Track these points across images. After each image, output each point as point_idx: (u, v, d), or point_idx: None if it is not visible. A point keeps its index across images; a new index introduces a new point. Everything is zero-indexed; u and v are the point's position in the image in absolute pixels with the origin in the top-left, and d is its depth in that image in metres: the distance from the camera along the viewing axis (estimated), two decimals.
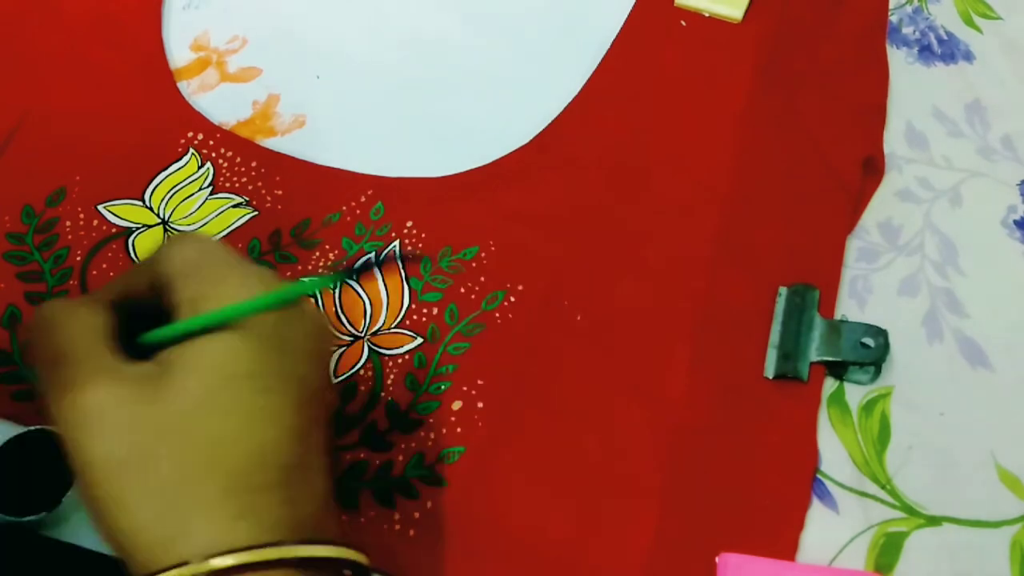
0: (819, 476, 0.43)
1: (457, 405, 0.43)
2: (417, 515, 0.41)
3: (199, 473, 0.29)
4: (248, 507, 0.29)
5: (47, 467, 0.40)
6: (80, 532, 0.40)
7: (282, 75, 0.55)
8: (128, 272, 0.35)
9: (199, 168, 0.50)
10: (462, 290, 0.46)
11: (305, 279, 0.33)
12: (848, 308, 0.48)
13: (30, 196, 0.49)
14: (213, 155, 0.51)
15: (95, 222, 0.48)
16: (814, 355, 0.45)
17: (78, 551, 0.39)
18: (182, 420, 0.29)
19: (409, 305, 0.46)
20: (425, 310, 0.46)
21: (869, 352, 0.45)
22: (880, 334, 0.45)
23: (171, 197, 0.49)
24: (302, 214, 0.49)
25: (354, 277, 0.32)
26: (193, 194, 0.49)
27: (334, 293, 0.46)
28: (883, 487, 0.43)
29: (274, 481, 0.30)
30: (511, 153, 0.51)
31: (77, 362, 0.30)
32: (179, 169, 0.50)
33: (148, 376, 0.30)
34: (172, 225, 0.48)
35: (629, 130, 0.52)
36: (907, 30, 0.59)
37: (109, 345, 0.31)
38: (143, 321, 0.33)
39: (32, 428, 0.41)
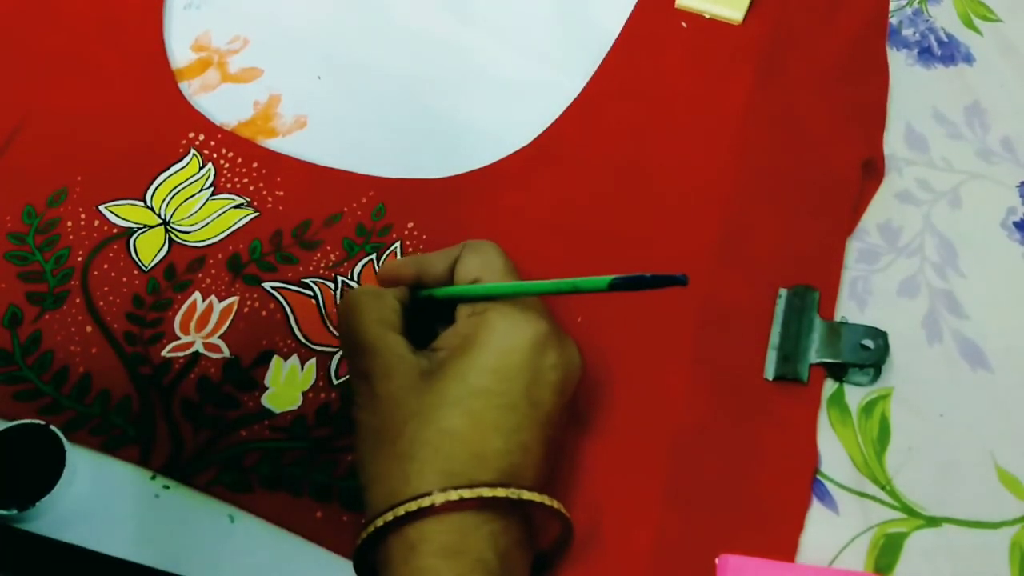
0: (819, 477, 0.43)
1: None
2: None
3: (425, 454, 0.35)
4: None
5: (31, 463, 0.40)
6: (59, 529, 0.40)
7: (283, 76, 0.55)
8: (425, 256, 0.42)
9: (200, 169, 0.50)
10: None
11: (578, 279, 0.37)
12: (848, 309, 0.48)
13: (31, 196, 0.49)
14: (214, 156, 0.51)
15: (96, 222, 0.48)
16: (814, 357, 0.45)
17: (52, 544, 0.40)
18: (429, 411, 0.36)
19: None
20: None
21: (869, 354, 0.45)
22: (880, 336, 0.45)
23: (172, 198, 0.49)
24: (303, 215, 0.49)
25: (626, 288, 0.35)
26: (194, 195, 0.49)
27: (335, 295, 0.47)
28: (883, 488, 0.43)
29: (485, 479, 0.35)
30: (512, 154, 0.51)
31: (374, 353, 0.38)
32: (180, 170, 0.50)
33: (422, 372, 0.37)
34: (173, 225, 0.48)
35: (630, 131, 0.53)
36: (907, 32, 0.59)
37: (397, 336, 0.38)
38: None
39: (20, 422, 0.41)
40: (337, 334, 0.44)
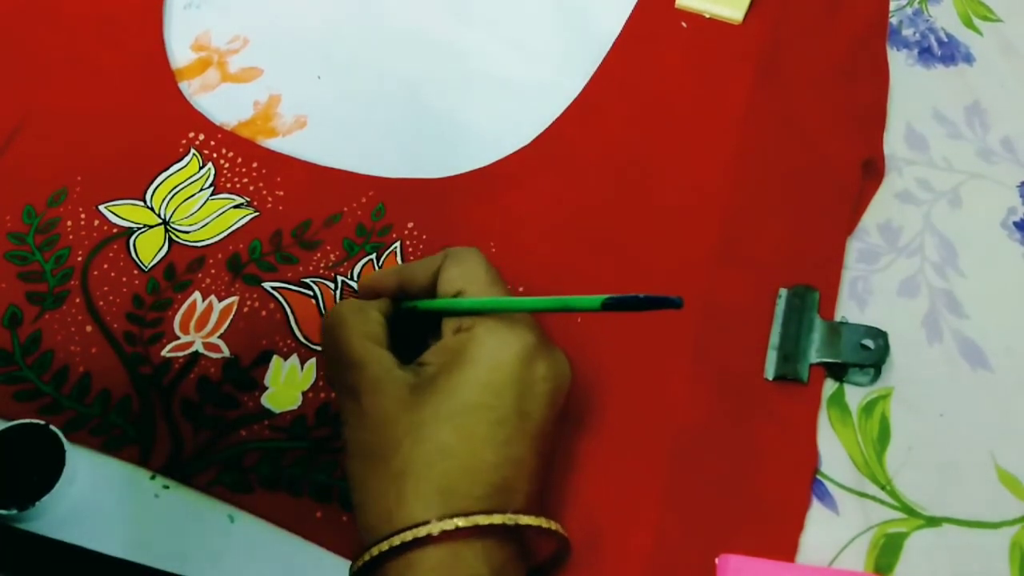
0: (819, 477, 0.43)
1: None
2: None
3: (419, 471, 0.35)
4: (452, 506, 0.35)
5: (31, 463, 0.40)
6: (59, 529, 0.40)
7: (283, 75, 0.55)
8: (406, 267, 0.42)
9: (200, 168, 0.50)
10: None
11: (569, 297, 0.37)
12: (848, 309, 0.48)
13: (31, 196, 0.49)
14: (214, 155, 0.51)
15: (96, 222, 0.48)
16: (814, 357, 0.45)
17: (52, 544, 0.40)
18: (422, 427, 0.36)
19: None
20: None
21: (869, 354, 0.45)
22: (880, 335, 0.45)
23: (172, 197, 0.49)
24: (303, 215, 0.49)
25: (619, 308, 0.35)
26: (194, 195, 0.49)
27: (335, 295, 0.47)
28: (883, 488, 0.43)
29: (479, 493, 0.35)
30: (512, 154, 0.51)
31: (361, 368, 0.37)
32: (180, 169, 0.50)
33: (411, 387, 0.37)
34: (173, 225, 0.48)
35: (630, 131, 0.53)
36: (907, 32, 0.59)
37: (384, 351, 0.38)
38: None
39: (20, 422, 0.41)
40: (323, 354, 0.42)
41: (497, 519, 0.34)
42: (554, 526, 0.36)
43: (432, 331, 0.40)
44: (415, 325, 0.41)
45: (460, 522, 0.34)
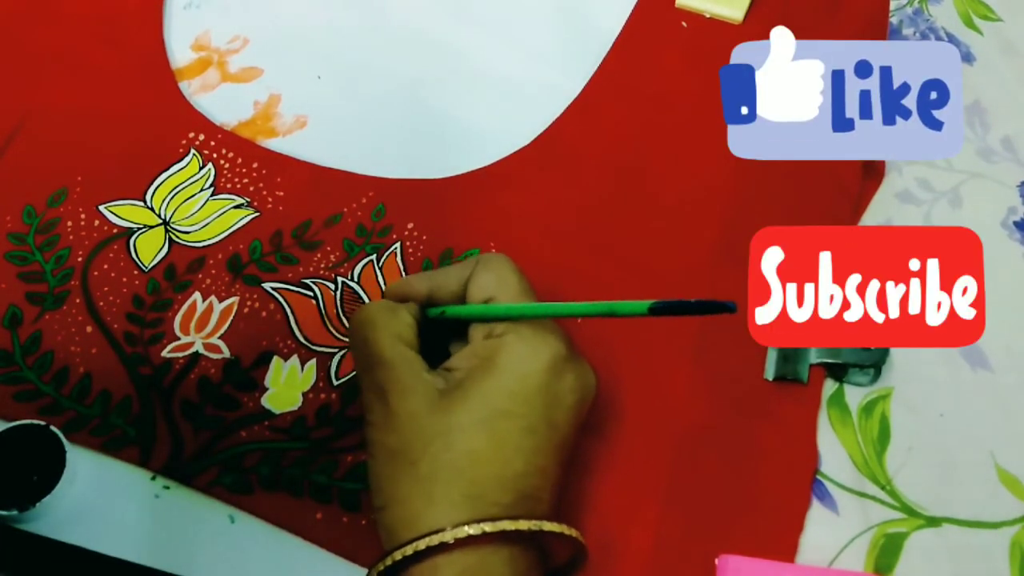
0: (819, 477, 0.43)
1: None
2: None
3: (449, 476, 0.35)
4: (480, 512, 0.35)
5: (31, 464, 0.40)
6: (59, 529, 0.40)
7: (283, 75, 0.55)
8: (437, 273, 0.42)
9: (200, 169, 0.50)
10: None
11: (614, 303, 0.36)
12: None
13: (31, 196, 0.49)
14: (214, 156, 0.51)
15: (96, 222, 0.48)
16: (814, 357, 0.45)
17: (52, 544, 0.40)
18: (452, 432, 0.36)
19: None
20: None
21: (869, 354, 0.45)
22: None
23: (172, 198, 0.49)
24: (303, 215, 0.49)
25: (667, 313, 0.34)
26: (194, 195, 0.49)
27: (335, 295, 0.47)
28: (883, 488, 0.43)
29: (507, 501, 0.35)
30: (512, 154, 0.51)
31: (391, 368, 0.37)
32: (180, 170, 0.50)
33: (440, 391, 0.37)
34: (173, 226, 0.48)
35: (630, 131, 0.52)
36: (907, 31, 0.59)
37: (414, 353, 0.38)
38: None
39: (20, 423, 0.41)
40: (351, 352, 0.43)
41: (524, 525, 0.34)
42: (575, 533, 0.36)
43: (455, 340, 0.40)
44: (438, 334, 0.41)
45: (488, 527, 0.34)
